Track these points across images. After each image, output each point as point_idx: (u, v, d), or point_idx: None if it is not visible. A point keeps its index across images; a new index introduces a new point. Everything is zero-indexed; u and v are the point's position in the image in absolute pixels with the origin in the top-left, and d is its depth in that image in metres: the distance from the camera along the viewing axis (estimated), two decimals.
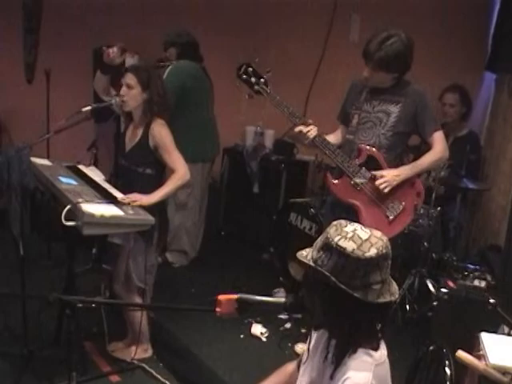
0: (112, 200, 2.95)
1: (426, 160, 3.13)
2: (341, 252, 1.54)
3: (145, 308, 3.26)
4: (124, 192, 3.13)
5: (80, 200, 2.77)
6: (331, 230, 1.60)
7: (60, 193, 2.91)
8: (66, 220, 2.70)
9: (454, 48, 5.04)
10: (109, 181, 3.40)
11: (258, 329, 3.65)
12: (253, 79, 3.20)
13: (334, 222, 1.64)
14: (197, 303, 2.53)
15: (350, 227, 1.60)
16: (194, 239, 4.65)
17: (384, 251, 1.56)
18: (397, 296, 1.60)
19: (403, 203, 3.13)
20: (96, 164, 4.69)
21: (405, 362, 2.80)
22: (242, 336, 3.65)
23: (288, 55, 5.35)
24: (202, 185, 4.56)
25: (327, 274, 1.54)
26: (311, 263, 1.58)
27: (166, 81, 4.07)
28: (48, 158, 4.78)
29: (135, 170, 3.21)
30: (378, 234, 1.61)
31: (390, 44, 2.94)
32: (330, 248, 1.56)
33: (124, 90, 3.16)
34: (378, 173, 3.07)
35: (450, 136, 4.21)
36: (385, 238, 1.60)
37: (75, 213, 2.71)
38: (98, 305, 2.09)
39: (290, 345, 3.56)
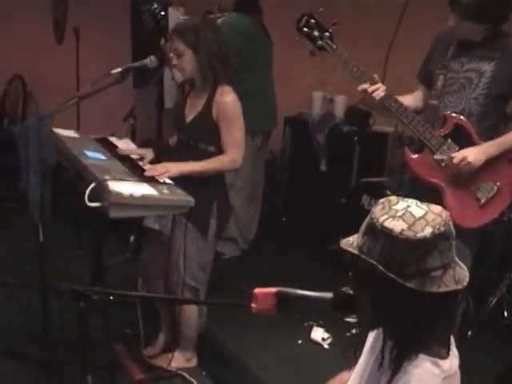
0: (146, 178, 3.01)
1: None
2: (387, 234, 1.51)
3: (162, 301, 3.31)
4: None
5: (107, 177, 2.79)
6: (377, 209, 1.57)
7: (85, 169, 2.94)
8: (90, 201, 2.76)
9: None
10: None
11: (319, 333, 3.66)
12: (315, 33, 3.16)
13: (382, 200, 1.62)
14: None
15: (402, 204, 1.56)
16: (244, 226, 4.69)
17: (442, 229, 1.51)
18: (465, 283, 1.54)
19: (498, 184, 3.03)
20: (133, 136, 4.80)
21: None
22: (299, 342, 3.67)
23: (363, 8, 5.28)
24: (252, 163, 4.58)
25: (373, 262, 1.51)
26: (355, 251, 1.56)
27: None
28: (78, 129, 4.95)
29: (195, 145, 3.20)
30: (438, 209, 1.57)
31: None
32: (375, 231, 1.53)
33: (173, 58, 3.15)
34: (457, 154, 2.98)
35: None
36: (445, 214, 1.56)
37: (101, 192, 2.75)
38: (117, 297, 2.14)
39: (357, 354, 3.54)
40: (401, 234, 1.50)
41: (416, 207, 1.55)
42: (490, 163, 3.00)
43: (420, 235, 1.49)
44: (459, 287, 1.53)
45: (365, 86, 3.02)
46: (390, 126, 4.84)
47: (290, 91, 5.07)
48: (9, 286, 3.62)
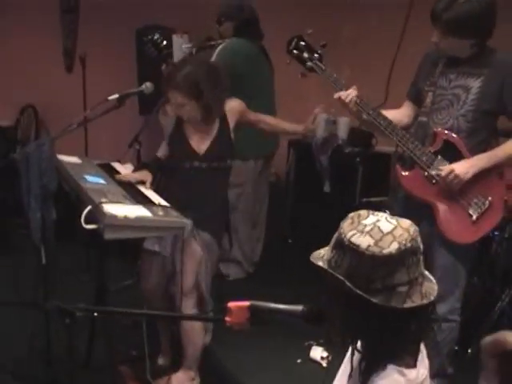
0: (143, 200, 3.09)
1: (508, 147, 3.00)
2: (354, 250, 1.51)
3: (145, 317, 3.35)
4: (186, 195, 3.27)
5: (103, 200, 2.87)
6: (345, 224, 1.58)
7: (83, 192, 3.03)
8: (87, 223, 2.85)
9: None
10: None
11: (318, 352, 3.67)
12: (305, 54, 3.24)
13: (351, 214, 1.62)
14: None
15: (371, 219, 1.57)
16: (248, 249, 4.74)
17: (409, 245, 1.52)
18: (432, 298, 1.55)
19: (489, 198, 3.05)
20: (139, 161, 4.88)
21: None
22: (298, 361, 3.68)
23: (366, 28, 5.35)
24: (255, 185, 4.64)
25: (340, 277, 1.53)
26: (324, 265, 1.58)
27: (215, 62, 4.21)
28: (86, 155, 5.06)
29: (217, 166, 3.33)
30: (406, 223, 1.57)
31: (462, 3, 2.85)
32: (343, 246, 1.54)
33: (175, 109, 3.26)
34: (445, 167, 3.01)
35: None
36: (413, 228, 1.56)
37: (97, 214, 2.84)
38: (100, 314, 2.22)
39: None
40: (367, 250, 1.50)
41: (385, 222, 1.55)
42: (481, 178, 3.01)
43: (386, 251, 1.50)
44: (425, 302, 1.54)
45: (339, 93, 3.11)
46: (392, 146, 4.86)
47: (293, 114, 5.11)
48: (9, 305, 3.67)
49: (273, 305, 1.76)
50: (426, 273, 1.61)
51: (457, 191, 3.02)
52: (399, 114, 3.30)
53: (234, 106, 3.40)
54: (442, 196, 3.05)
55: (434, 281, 1.61)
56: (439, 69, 3.12)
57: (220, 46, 4.45)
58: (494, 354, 0.57)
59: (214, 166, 3.32)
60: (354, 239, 1.53)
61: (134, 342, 3.59)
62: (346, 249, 1.54)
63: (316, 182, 5.15)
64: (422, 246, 1.58)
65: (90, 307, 1.94)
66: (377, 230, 1.53)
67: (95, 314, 1.89)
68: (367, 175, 5.01)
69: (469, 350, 3.66)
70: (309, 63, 3.23)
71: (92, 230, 2.80)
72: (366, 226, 1.55)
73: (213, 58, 4.37)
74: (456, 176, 2.96)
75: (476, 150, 3.03)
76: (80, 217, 2.78)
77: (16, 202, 3.27)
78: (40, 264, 3.17)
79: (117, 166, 3.71)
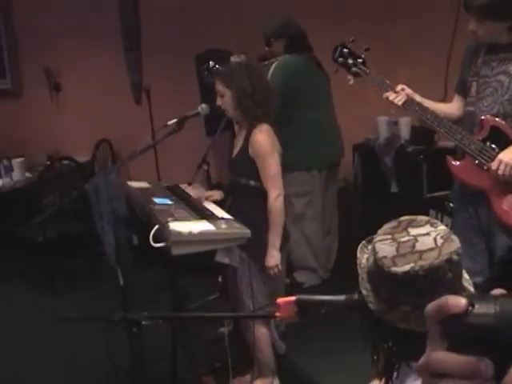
0: (207, 215, 3.23)
1: None
2: (373, 254, 1.51)
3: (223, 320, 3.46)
4: (235, 208, 3.40)
5: (169, 219, 3.06)
6: (386, 226, 1.54)
7: (151, 214, 3.24)
8: (156, 242, 3.02)
9: None
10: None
11: None
12: (350, 61, 3.34)
13: (405, 217, 1.55)
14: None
15: (420, 230, 1.48)
16: (322, 255, 4.81)
17: (422, 273, 1.41)
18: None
19: None
20: (209, 180, 5.06)
21: None
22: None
23: (417, 33, 5.36)
24: (322, 193, 4.73)
25: (361, 273, 1.57)
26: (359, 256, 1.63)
27: (271, 81, 4.34)
28: (159, 179, 5.27)
29: (239, 181, 3.42)
30: (450, 248, 1.44)
31: None
32: (371, 244, 1.54)
33: (218, 98, 3.39)
34: (495, 161, 3.00)
35: None
36: (450, 257, 1.43)
37: (163, 233, 3.01)
38: (164, 320, 2.34)
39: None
40: (380, 260, 1.47)
41: (430, 239, 1.46)
42: None
43: (393, 270, 1.45)
44: (418, 330, 1.43)
45: (387, 94, 3.18)
46: None
47: (355, 119, 5.19)
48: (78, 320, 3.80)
49: (317, 297, 1.82)
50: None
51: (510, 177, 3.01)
52: (451, 108, 3.34)
53: (260, 139, 3.30)
54: (496, 182, 3.05)
55: None
56: (481, 58, 3.15)
57: (273, 65, 4.58)
58: (439, 319, 0.62)
59: (237, 180, 3.40)
60: (378, 244, 1.51)
61: (217, 355, 3.68)
62: (371, 249, 1.55)
63: (383, 183, 5.17)
64: (451, 276, 1.44)
65: (154, 314, 2.07)
66: (410, 244, 1.47)
67: (174, 324, 2.00)
68: (432, 171, 4.96)
69: None
70: (353, 69, 3.33)
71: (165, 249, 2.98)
72: (406, 235, 1.49)
73: (268, 77, 4.49)
74: (506, 165, 2.96)
75: None
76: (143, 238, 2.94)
77: (95, 232, 3.46)
78: (118, 285, 3.36)
79: (185, 186, 3.87)
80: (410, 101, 3.16)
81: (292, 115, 4.49)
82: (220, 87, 3.35)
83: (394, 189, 5.11)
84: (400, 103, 3.15)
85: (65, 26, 6.48)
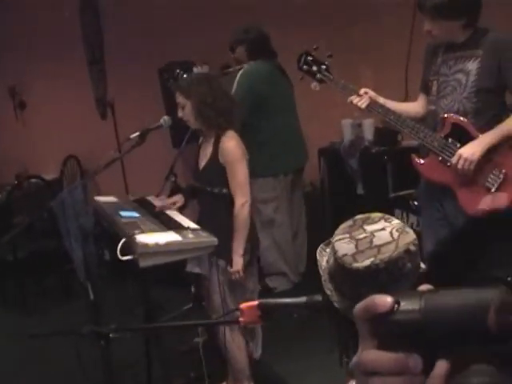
0: (174, 226, 3.25)
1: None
2: (333, 253, 1.53)
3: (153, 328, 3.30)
4: (204, 218, 3.40)
5: (136, 231, 3.06)
6: (343, 225, 1.57)
7: (118, 227, 3.23)
8: (123, 255, 3.03)
9: None
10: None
11: None
12: (314, 68, 3.39)
13: (360, 216, 1.58)
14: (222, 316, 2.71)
15: (375, 226, 1.52)
16: (292, 260, 4.83)
17: (383, 265, 1.46)
18: None
19: (503, 171, 3.08)
20: (177, 192, 5.06)
21: None
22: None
23: (377, 36, 5.42)
24: (289, 198, 4.77)
25: (323, 275, 1.59)
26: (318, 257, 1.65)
27: (237, 88, 4.37)
28: (127, 193, 5.28)
29: (210, 191, 3.39)
30: (407, 239, 1.49)
31: None
32: (331, 244, 1.57)
33: (180, 110, 3.39)
34: (455, 155, 3.07)
35: None
36: (408, 248, 1.48)
37: (131, 245, 3.01)
38: (132, 332, 2.35)
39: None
40: (340, 258, 1.49)
41: (386, 233, 1.50)
42: (493, 153, 3.06)
43: (354, 266, 1.47)
44: None
45: (351, 98, 3.23)
46: None
47: (319, 124, 5.23)
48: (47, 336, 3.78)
49: (279, 300, 1.83)
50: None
51: (472, 170, 3.07)
52: (416, 107, 3.40)
53: (228, 145, 3.32)
54: (460, 177, 3.11)
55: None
56: (439, 57, 3.20)
57: (239, 72, 4.60)
58: (367, 319, 0.64)
59: (208, 189, 3.39)
60: (337, 243, 1.54)
61: (192, 365, 3.69)
62: (331, 248, 1.57)
63: (349, 186, 5.20)
64: (410, 266, 1.49)
65: (122, 327, 2.08)
66: (368, 240, 1.50)
67: (146, 336, 2.01)
68: (397, 171, 5.00)
69: None
70: (318, 75, 3.38)
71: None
72: (362, 232, 1.53)
73: (234, 85, 4.52)
74: (465, 159, 3.02)
75: (487, 128, 3.08)
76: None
77: (65, 249, 3.47)
78: (88, 300, 3.36)
79: (151, 199, 3.88)
80: (373, 103, 3.22)
81: (258, 121, 4.52)
82: (180, 99, 3.36)
83: (360, 190, 5.15)
84: (363, 106, 3.21)
85: (27, 43, 6.46)
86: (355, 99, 3.23)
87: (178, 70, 4.79)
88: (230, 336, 3.40)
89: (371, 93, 3.29)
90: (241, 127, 3.63)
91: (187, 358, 3.91)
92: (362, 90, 3.25)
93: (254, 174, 3.73)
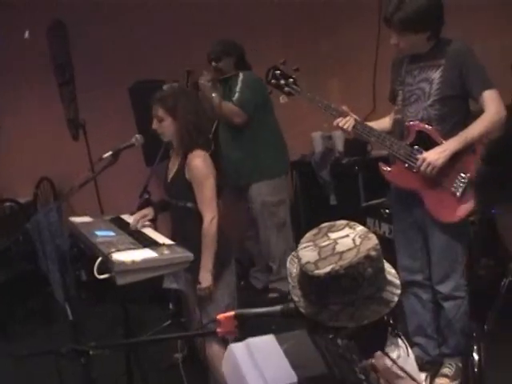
0: (150, 243, 3.27)
1: (477, 126, 3.08)
2: (299, 261, 1.58)
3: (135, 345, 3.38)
4: (176, 231, 3.43)
5: (112, 250, 3.05)
6: (309, 234, 1.62)
7: (94, 247, 3.23)
8: (100, 273, 3.05)
9: None
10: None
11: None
12: (282, 81, 3.44)
13: (325, 224, 1.65)
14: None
15: (340, 233, 1.59)
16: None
17: (342, 272, 1.52)
18: (362, 323, 1.55)
19: (468, 174, 3.14)
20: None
21: None
22: None
23: (344, 48, 5.50)
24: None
25: (291, 282, 1.64)
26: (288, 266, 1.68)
27: (243, 88, 4.57)
28: (102, 212, 5.28)
29: (176, 204, 3.43)
30: (368, 245, 1.56)
31: (409, 1, 2.99)
32: (297, 253, 1.60)
33: (155, 123, 3.38)
34: (419, 159, 3.14)
35: None
36: (368, 254, 1.55)
37: (108, 264, 3.02)
38: (111, 349, 2.36)
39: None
40: (303, 266, 1.55)
41: (348, 240, 1.56)
42: (457, 159, 3.12)
43: (316, 272, 1.54)
44: (351, 325, 1.54)
45: (337, 120, 3.28)
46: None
47: (290, 137, 5.26)
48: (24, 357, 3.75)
49: (255, 310, 1.87)
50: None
51: (437, 175, 3.14)
52: (387, 119, 3.49)
53: (198, 164, 3.32)
54: (426, 182, 3.18)
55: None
56: (404, 67, 3.27)
57: (239, 78, 4.75)
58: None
59: (174, 202, 3.42)
60: (301, 251, 1.59)
61: (174, 381, 3.61)
62: (297, 257, 1.62)
63: (322, 197, 5.27)
64: (371, 271, 1.55)
65: (101, 344, 2.10)
66: (331, 247, 1.56)
67: (127, 353, 2.04)
68: (368, 181, 5.08)
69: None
70: (286, 88, 3.43)
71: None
72: (326, 239, 1.58)
73: (238, 87, 4.69)
74: (429, 164, 3.09)
75: (451, 135, 3.15)
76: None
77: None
78: (67, 321, 3.36)
79: (126, 217, 3.90)
80: (357, 123, 3.28)
81: (266, 124, 4.78)
82: (160, 112, 3.35)
83: (333, 201, 5.21)
84: (350, 128, 3.27)
85: None
86: (341, 122, 3.27)
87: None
88: (211, 347, 3.41)
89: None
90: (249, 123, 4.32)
91: (168, 374, 3.91)
92: (345, 109, 3.31)
93: (271, 174, 4.53)
